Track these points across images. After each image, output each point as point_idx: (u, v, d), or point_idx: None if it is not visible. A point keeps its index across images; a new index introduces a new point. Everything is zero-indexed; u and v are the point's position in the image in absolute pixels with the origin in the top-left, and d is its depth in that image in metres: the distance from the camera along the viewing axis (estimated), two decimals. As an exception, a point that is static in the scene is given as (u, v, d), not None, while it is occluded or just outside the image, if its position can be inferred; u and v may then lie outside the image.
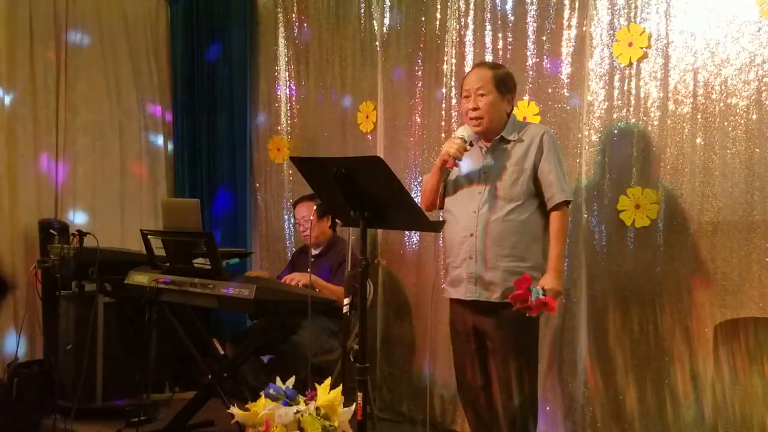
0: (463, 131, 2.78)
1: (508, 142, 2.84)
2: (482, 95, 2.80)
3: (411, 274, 4.09)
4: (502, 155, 2.84)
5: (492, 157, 2.85)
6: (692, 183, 3.09)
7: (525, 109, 3.56)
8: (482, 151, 2.89)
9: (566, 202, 2.80)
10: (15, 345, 4.21)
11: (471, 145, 2.81)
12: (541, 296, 2.56)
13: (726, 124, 3.01)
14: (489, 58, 3.73)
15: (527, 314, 2.62)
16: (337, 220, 3.86)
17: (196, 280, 3.32)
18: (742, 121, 2.97)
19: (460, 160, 2.76)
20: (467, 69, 3.82)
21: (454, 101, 3.89)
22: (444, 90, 3.93)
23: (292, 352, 3.65)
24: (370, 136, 4.29)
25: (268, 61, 4.90)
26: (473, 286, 2.81)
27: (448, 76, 3.91)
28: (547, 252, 2.81)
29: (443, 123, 3.93)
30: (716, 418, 2.97)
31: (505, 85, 2.85)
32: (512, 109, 2.92)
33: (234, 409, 2.64)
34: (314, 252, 4.06)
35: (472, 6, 3.81)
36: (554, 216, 2.79)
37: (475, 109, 2.81)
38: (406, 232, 4.07)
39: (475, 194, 2.83)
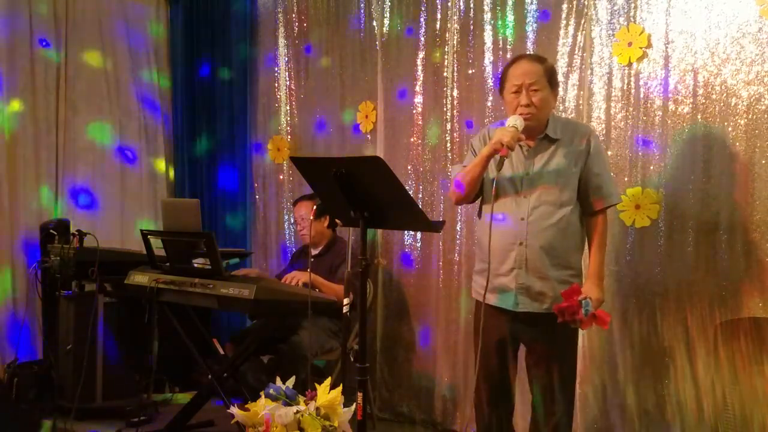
0: (515, 121, 2.57)
1: (553, 141, 2.69)
2: (536, 90, 2.62)
3: (411, 274, 4.09)
4: (548, 156, 2.68)
5: (538, 159, 2.68)
6: (692, 183, 3.09)
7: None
8: (524, 151, 2.70)
9: (610, 206, 2.72)
10: (15, 345, 4.21)
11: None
12: (591, 308, 2.45)
13: (726, 124, 3.01)
14: (489, 57, 3.74)
15: (576, 327, 2.52)
16: (336, 220, 3.85)
17: (196, 280, 3.32)
18: (742, 121, 2.97)
19: (512, 149, 2.53)
20: (467, 69, 3.83)
21: (455, 101, 3.89)
22: (445, 89, 3.92)
23: (292, 352, 3.65)
24: (369, 136, 4.29)
25: (268, 61, 4.90)
26: (524, 298, 2.65)
27: (449, 76, 3.91)
28: (581, 257, 2.72)
29: (444, 123, 3.93)
30: (716, 418, 2.96)
31: (554, 78, 2.71)
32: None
33: (234, 409, 2.63)
34: (314, 252, 4.06)
35: (471, 6, 3.81)
36: (599, 220, 2.68)
37: (528, 105, 2.62)
38: (406, 232, 4.07)
39: (520, 199, 2.66)
